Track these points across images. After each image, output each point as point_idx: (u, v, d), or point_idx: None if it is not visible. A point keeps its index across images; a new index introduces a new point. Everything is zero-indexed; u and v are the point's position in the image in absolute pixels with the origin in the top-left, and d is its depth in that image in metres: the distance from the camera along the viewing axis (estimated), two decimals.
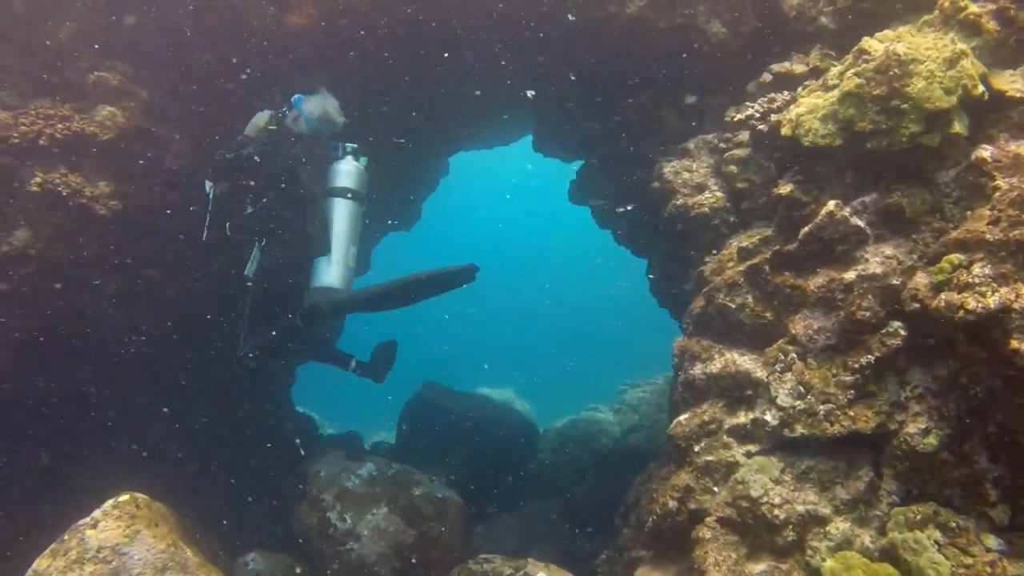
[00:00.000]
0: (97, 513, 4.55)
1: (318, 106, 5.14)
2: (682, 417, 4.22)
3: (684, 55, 5.01)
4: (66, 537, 4.47)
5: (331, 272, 4.74)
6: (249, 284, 4.83)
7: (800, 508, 3.54)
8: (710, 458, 3.95)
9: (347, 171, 4.95)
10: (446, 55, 6.09)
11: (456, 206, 29.46)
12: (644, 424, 10.04)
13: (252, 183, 4.76)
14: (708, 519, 3.76)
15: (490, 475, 7.79)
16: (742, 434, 3.94)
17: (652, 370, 13.76)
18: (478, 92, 6.87)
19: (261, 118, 5.07)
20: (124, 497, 4.63)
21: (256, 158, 4.75)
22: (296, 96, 5.14)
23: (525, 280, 38.93)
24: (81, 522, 4.52)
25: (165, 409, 5.97)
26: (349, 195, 4.89)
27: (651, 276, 5.91)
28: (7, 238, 4.92)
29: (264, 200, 4.80)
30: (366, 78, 6.07)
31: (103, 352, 5.58)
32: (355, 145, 5.09)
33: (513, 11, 5.64)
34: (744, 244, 4.32)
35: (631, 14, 4.92)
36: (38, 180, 4.82)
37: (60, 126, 4.91)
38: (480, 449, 8.09)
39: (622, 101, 5.65)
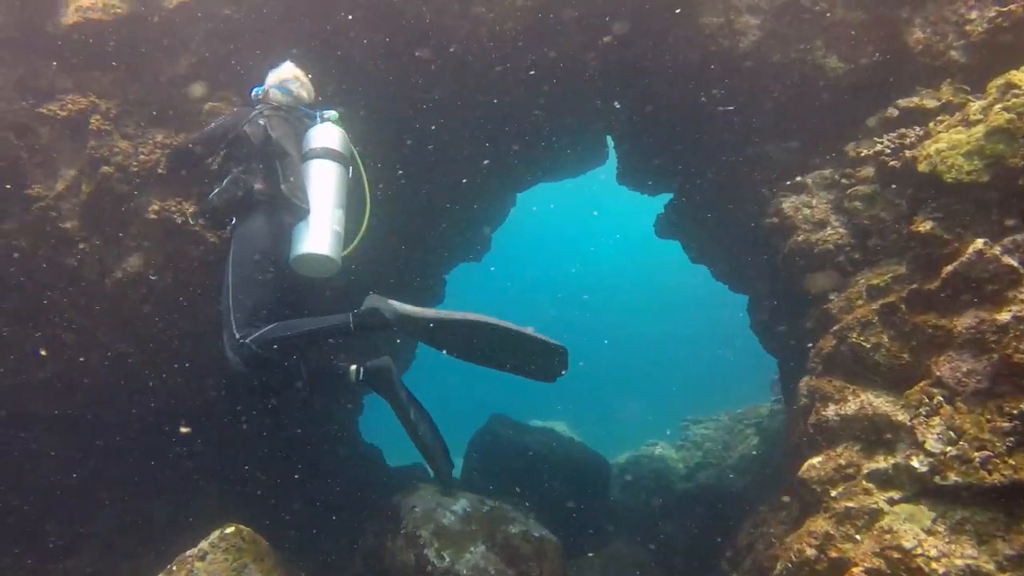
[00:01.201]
0: (204, 544, 4.49)
1: (287, 70, 4.84)
2: (815, 460, 4.07)
3: (795, 90, 4.96)
4: (174, 568, 4.43)
5: (315, 236, 4.12)
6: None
7: (959, 562, 3.35)
8: (850, 504, 3.78)
9: (325, 132, 4.47)
10: (523, 91, 6.12)
11: (528, 237, 29.50)
12: (711, 462, 9.82)
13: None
14: (855, 569, 3.59)
15: (565, 512, 7.61)
16: (883, 480, 3.78)
17: (702, 406, 13.55)
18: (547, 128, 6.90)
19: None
20: (230, 529, 4.57)
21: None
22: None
23: (576, 312, 38.88)
24: (188, 553, 4.47)
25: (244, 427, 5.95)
26: (329, 156, 4.38)
27: (754, 312, 5.79)
28: (121, 264, 4.99)
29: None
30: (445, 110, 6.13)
31: (202, 380, 5.59)
32: (335, 112, 4.68)
33: (608, 55, 5.66)
34: (875, 282, 4.20)
35: (745, 48, 4.90)
36: (155, 208, 4.89)
37: None
38: (552, 485, 7.93)
39: (718, 135, 5.62)
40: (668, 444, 11.14)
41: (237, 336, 3.91)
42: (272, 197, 4.20)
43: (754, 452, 9.28)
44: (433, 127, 6.19)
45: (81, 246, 4.88)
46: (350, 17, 5.43)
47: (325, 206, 4.21)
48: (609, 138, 8.51)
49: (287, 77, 4.81)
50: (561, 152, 7.99)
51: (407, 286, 7.52)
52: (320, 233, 4.13)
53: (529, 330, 4.02)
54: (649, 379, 28.52)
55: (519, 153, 7.46)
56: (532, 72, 5.83)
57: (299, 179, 4.24)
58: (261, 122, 4.38)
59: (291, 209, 4.18)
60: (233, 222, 4.32)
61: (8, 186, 4.80)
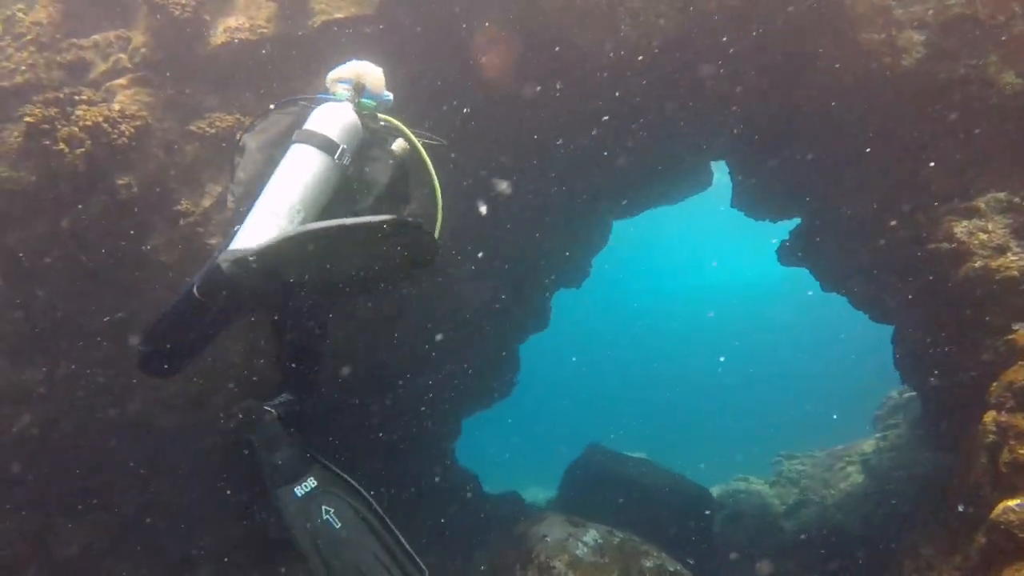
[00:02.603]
0: None
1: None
2: (1012, 503, 3.75)
3: (961, 108, 4.72)
4: None
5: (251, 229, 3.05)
6: None
7: None
8: None
9: (318, 112, 3.42)
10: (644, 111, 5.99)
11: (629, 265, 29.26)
12: (812, 499, 9.37)
13: None
14: None
15: (669, 545, 7.32)
16: None
17: (788, 441, 13.06)
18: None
19: None
20: None
21: None
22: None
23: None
24: None
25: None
26: (306, 140, 3.28)
27: (901, 342, 5.49)
28: None
29: None
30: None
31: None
32: (377, 95, 3.75)
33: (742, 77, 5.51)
34: None
35: (908, 66, 4.68)
36: None
37: None
38: (657, 517, 7.64)
39: (864, 157, 5.39)
40: (759, 479, 10.72)
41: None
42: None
43: (860, 490, 8.83)
44: (557, 143, 6.10)
45: None
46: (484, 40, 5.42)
47: (270, 198, 3.13)
48: (713, 163, 8.38)
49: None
50: (664, 176, 7.86)
51: (517, 311, 7.42)
52: (250, 230, 3.04)
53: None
54: (727, 414, 27.80)
55: (625, 173, 7.34)
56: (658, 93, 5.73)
57: (249, 173, 3.52)
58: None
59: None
60: None
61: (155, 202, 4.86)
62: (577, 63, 5.53)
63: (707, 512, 8.17)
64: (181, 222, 4.89)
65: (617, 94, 5.69)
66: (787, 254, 6.53)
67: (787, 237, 6.66)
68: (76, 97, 4.86)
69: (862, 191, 5.46)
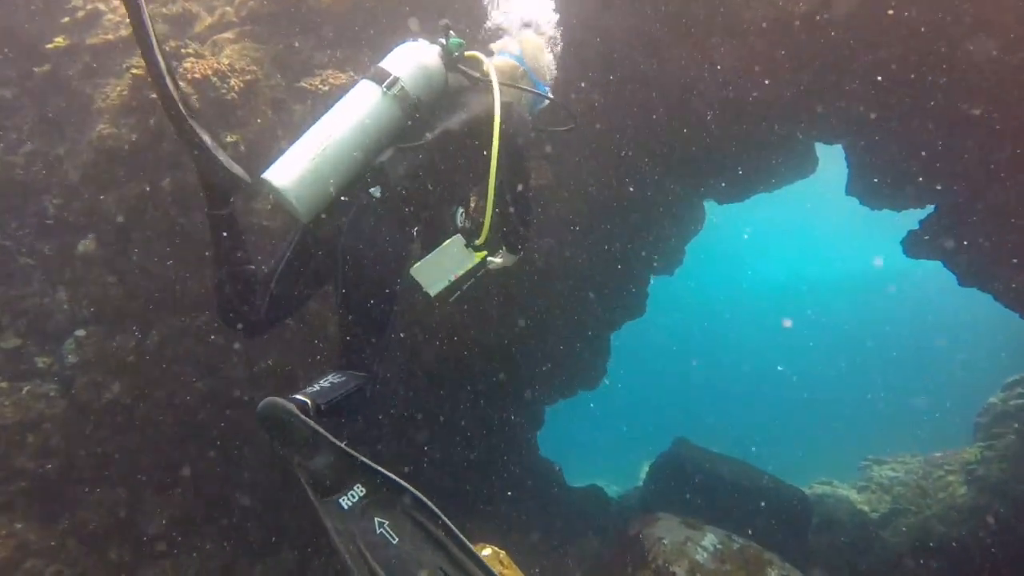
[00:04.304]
0: None
1: None
2: None
3: None
4: None
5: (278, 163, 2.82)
6: None
7: None
8: None
9: (396, 49, 3.08)
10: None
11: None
12: (909, 508, 8.79)
13: None
14: None
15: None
16: None
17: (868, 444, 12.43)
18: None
19: None
20: (487, 551, 4.11)
21: None
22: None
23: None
24: None
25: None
26: (371, 77, 2.98)
27: None
28: None
29: None
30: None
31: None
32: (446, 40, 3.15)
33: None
34: None
35: None
36: None
37: None
38: (751, 518, 7.18)
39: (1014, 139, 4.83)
40: (844, 484, 10.16)
41: None
42: None
43: (965, 501, 8.22)
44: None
45: None
46: None
47: (311, 134, 2.89)
48: (818, 145, 7.82)
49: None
50: (768, 160, 7.34)
51: (615, 296, 7.01)
52: (285, 159, 2.83)
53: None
54: (812, 411, 26.98)
55: (731, 158, 6.86)
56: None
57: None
58: None
59: None
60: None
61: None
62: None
63: (805, 517, 7.67)
64: None
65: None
66: (917, 245, 5.97)
67: (917, 226, 6.10)
68: (183, 50, 4.58)
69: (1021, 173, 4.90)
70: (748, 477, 7.78)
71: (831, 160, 7.89)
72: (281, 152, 2.85)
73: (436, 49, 3.08)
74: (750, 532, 7.25)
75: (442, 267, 2.95)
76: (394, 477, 2.33)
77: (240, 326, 2.98)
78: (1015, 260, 5.18)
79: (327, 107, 3.11)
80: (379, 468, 2.33)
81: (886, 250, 9.61)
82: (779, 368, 34.90)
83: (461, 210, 3.07)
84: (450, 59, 3.09)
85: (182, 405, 5.08)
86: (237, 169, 2.81)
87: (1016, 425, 8.55)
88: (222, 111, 4.45)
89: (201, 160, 2.71)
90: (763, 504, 7.36)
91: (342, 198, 2.88)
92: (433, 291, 2.94)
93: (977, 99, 5.00)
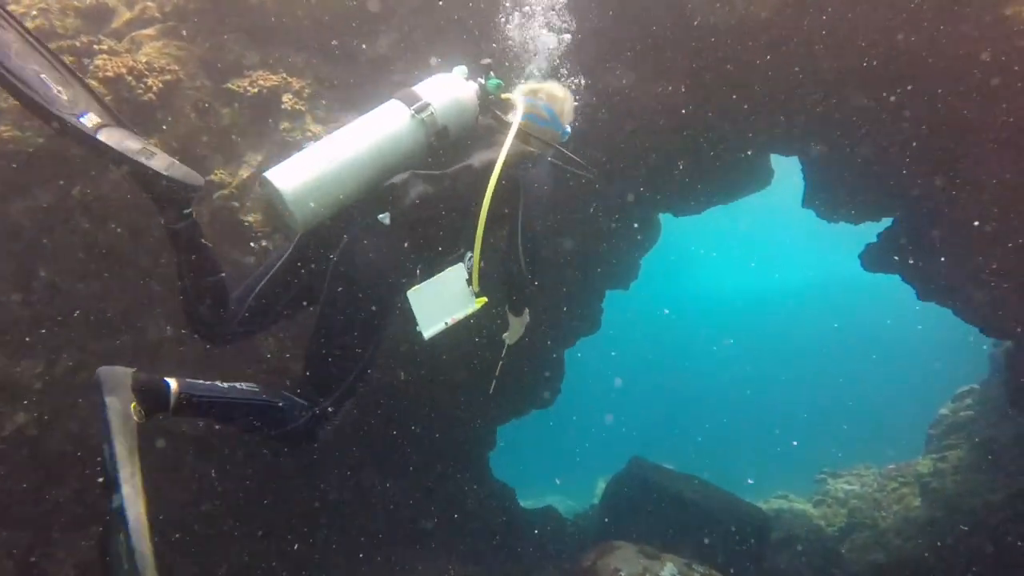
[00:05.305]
0: None
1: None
2: None
3: None
4: None
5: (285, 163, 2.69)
6: None
7: None
8: None
9: (432, 78, 2.99)
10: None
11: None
12: (864, 522, 8.74)
13: None
14: None
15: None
16: None
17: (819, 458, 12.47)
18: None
19: None
20: None
21: None
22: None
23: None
24: None
25: None
26: (399, 94, 2.91)
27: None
28: None
29: None
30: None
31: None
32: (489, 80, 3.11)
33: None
34: None
35: None
36: None
37: None
38: (709, 539, 6.99)
39: (986, 148, 4.77)
40: (800, 498, 10.10)
41: None
42: None
43: (920, 515, 8.20)
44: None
45: (264, 244, 4.20)
46: None
47: (325, 143, 2.77)
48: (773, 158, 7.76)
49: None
50: (725, 173, 7.23)
51: (571, 313, 6.77)
52: (291, 163, 2.69)
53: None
54: (757, 424, 27.16)
55: (685, 170, 6.71)
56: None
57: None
58: None
59: None
60: None
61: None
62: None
63: (764, 536, 7.53)
64: (214, 195, 4.19)
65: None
66: (875, 259, 5.89)
67: (875, 239, 6.02)
68: (96, 47, 4.16)
69: (989, 188, 4.82)
70: (705, 495, 7.62)
71: (789, 172, 7.85)
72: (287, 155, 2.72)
73: (474, 86, 3.03)
74: (710, 547, 7.11)
75: (441, 301, 2.77)
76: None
77: (207, 337, 2.85)
78: (974, 275, 5.12)
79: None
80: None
81: (845, 262, 9.64)
82: (735, 380, 35.32)
83: (469, 254, 2.89)
84: (485, 99, 3.07)
85: (96, 436, 4.61)
86: (181, 173, 2.51)
87: (967, 437, 8.60)
88: (138, 113, 4.04)
89: (133, 175, 2.46)
90: (721, 523, 7.19)
91: (346, 214, 2.76)
92: (427, 332, 2.76)
93: (935, 114, 4.94)
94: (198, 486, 4.95)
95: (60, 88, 2.45)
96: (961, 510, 7.33)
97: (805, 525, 8.74)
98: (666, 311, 36.33)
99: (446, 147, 2.92)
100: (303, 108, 4.28)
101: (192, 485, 4.90)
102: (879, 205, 5.92)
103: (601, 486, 9.74)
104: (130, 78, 3.98)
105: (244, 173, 4.24)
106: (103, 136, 2.40)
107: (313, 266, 2.87)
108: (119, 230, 4.28)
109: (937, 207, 5.26)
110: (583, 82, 4.21)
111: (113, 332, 4.47)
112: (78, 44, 4.10)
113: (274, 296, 2.90)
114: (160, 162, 2.47)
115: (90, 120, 2.44)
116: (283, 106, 4.24)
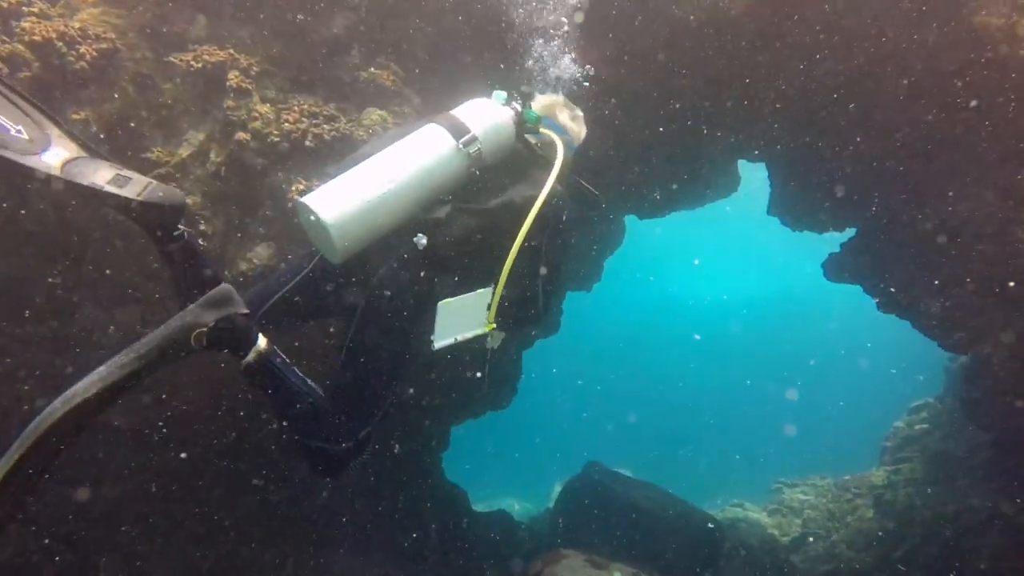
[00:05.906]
0: None
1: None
2: None
3: None
4: None
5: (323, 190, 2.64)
6: None
7: None
8: None
9: (473, 104, 2.96)
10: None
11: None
12: (817, 532, 8.74)
13: None
14: None
15: None
16: None
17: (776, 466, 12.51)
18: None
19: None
20: None
21: None
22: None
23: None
24: None
25: None
26: (444, 122, 2.84)
27: (982, 372, 4.82)
28: (246, 253, 4.06)
29: None
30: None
31: None
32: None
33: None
34: None
35: None
36: (299, 188, 3.97)
37: (326, 127, 4.09)
38: (663, 548, 6.89)
39: (951, 158, 4.73)
40: (755, 506, 10.08)
41: None
42: None
43: (872, 527, 8.22)
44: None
45: (202, 227, 3.96)
46: None
47: (369, 171, 2.68)
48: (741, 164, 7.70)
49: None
50: (695, 176, 7.14)
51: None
52: (331, 191, 2.62)
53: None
54: (715, 432, 27.29)
55: (654, 174, 6.60)
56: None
57: (371, 146, 2.99)
58: None
59: None
60: None
61: (128, 152, 3.90)
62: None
63: (717, 545, 7.45)
64: (150, 174, 3.93)
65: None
66: (837, 269, 5.85)
67: (838, 250, 5.99)
68: (24, 8, 3.88)
69: (953, 200, 4.79)
70: (660, 503, 7.53)
71: (756, 179, 7.79)
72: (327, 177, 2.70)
73: (511, 114, 2.97)
74: (664, 556, 7.01)
75: (460, 317, 2.74)
76: None
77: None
78: (931, 288, 5.09)
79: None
80: None
81: (808, 270, 9.67)
82: (693, 385, 35.57)
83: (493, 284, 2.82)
84: (521, 127, 3.00)
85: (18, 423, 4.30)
86: (158, 196, 2.40)
87: (921, 450, 8.66)
88: (68, 83, 3.77)
89: (110, 206, 2.40)
90: (674, 531, 7.10)
91: (382, 242, 2.73)
92: (438, 343, 2.73)
93: (898, 125, 4.90)
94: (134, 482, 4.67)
95: (20, 127, 2.33)
96: (913, 522, 7.35)
97: (759, 535, 8.71)
98: (697, 336, 36.39)
99: (483, 177, 2.88)
100: (250, 87, 4.05)
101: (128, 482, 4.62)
102: (843, 215, 5.88)
103: (558, 490, 9.60)
104: (60, 43, 3.71)
105: (184, 152, 3.98)
106: (70, 172, 2.31)
107: (332, 286, 2.89)
108: (43, 207, 3.99)
109: (896, 218, 5.23)
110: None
111: (36, 322, 4.17)
112: (4, 4, 3.80)
113: (279, 313, 2.94)
114: (134, 188, 2.36)
115: (55, 156, 2.32)
116: (229, 83, 4.01)
